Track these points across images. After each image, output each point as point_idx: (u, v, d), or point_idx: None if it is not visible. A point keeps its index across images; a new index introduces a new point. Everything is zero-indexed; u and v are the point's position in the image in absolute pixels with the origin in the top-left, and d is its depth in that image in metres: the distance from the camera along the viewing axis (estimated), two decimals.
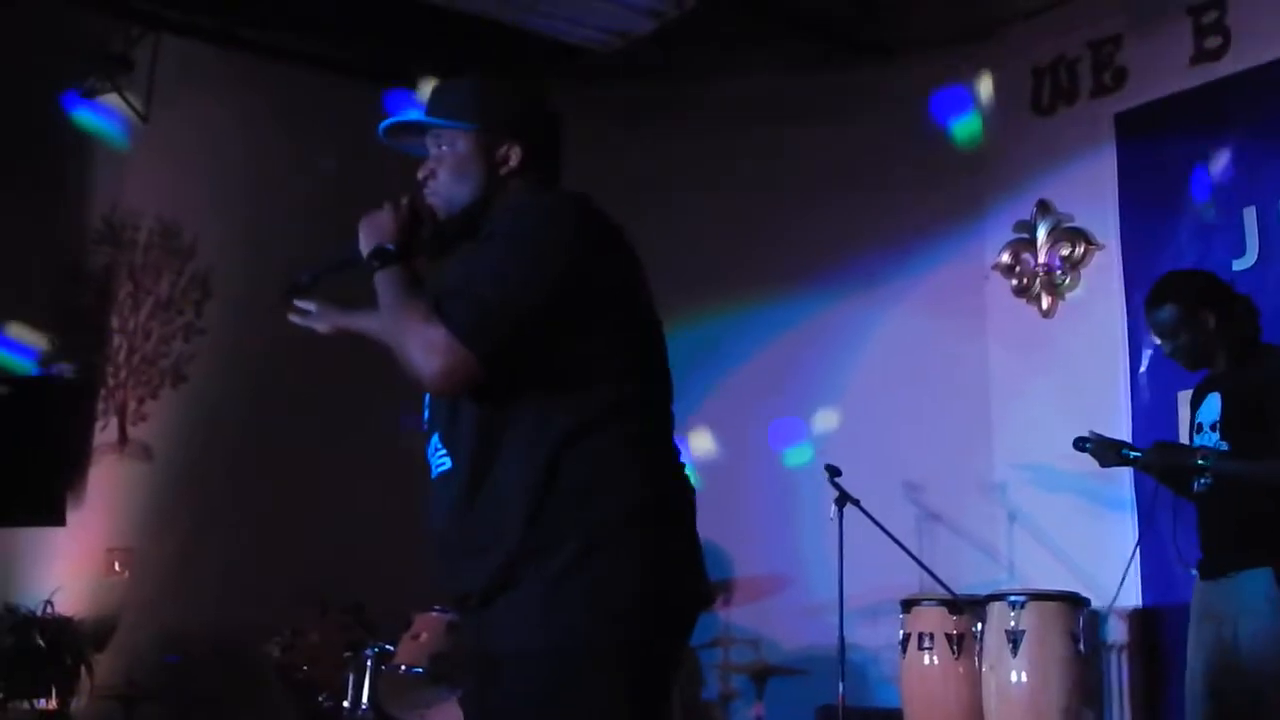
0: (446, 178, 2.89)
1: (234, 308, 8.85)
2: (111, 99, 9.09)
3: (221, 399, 8.73)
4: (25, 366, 9.37)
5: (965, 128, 7.62)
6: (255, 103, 8.80)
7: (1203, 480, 4.63)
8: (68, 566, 9.17)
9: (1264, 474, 4.44)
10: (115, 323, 9.64)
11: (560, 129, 3.00)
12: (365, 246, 2.82)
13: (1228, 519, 4.56)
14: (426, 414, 2.87)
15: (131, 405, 9.41)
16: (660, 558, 2.66)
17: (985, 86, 7.58)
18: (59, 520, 9.14)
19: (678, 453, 2.82)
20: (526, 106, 2.96)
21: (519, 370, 2.64)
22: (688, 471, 2.83)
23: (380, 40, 8.28)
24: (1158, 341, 4.88)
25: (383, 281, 2.75)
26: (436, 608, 6.45)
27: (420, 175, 2.92)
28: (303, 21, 8.12)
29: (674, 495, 2.76)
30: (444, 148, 2.90)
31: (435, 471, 2.80)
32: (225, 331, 8.95)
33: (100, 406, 9.56)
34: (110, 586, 9.05)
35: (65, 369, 9.38)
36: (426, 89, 2.95)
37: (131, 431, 9.36)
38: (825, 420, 7.73)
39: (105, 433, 9.50)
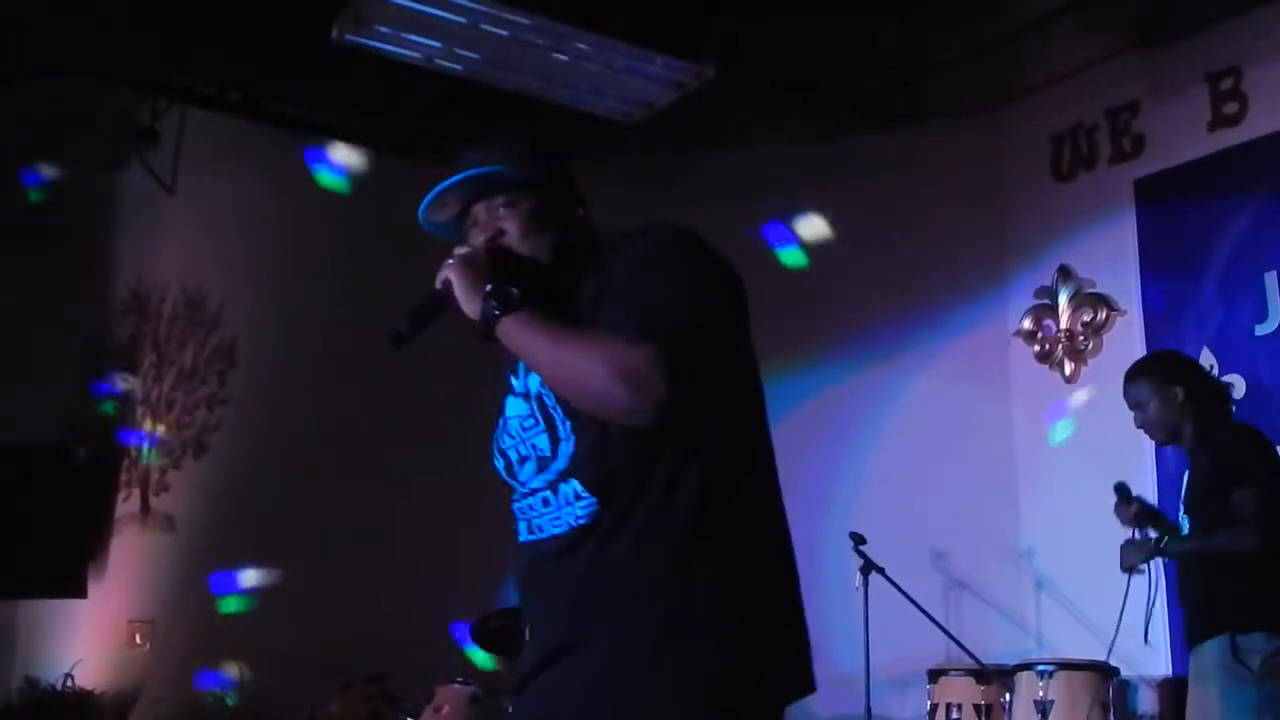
0: (520, 235, 2.66)
1: (257, 378, 8.87)
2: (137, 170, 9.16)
3: (244, 469, 8.73)
4: None
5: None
6: (280, 175, 8.85)
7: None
8: (89, 639, 9.14)
9: (1208, 548, 4.64)
10: (139, 393, 9.65)
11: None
12: (466, 290, 2.57)
13: (1192, 590, 4.76)
14: (527, 471, 2.65)
15: (154, 476, 9.41)
16: (786, 628, 2.60)
17: None
18: (80, 592, 9.11)
19: (781, 521, 2.68)
20: (570, 169, 2.79)
21: (696, 418, 2.47)
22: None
23: (405, 112, 8.33)
24: (1134, 415, 5.03)
25: (526, 323, 2.51)
26: (459, 680, 6.43)
27: (484, 236, 2.67)
28: (328, 95, 8.18)
29: (792, 582, 2.66)
30: (505, 207, 2.67)
31: (564, 526, 2.58)
32: (248, 402, 8.95)
33: (123, 477, 9.56)
34: (131, 659, 9.02)
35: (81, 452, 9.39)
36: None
37: (154, 502, 9.34)
38: (849, 488, 7.71)
39: (127, 503, 9.50)
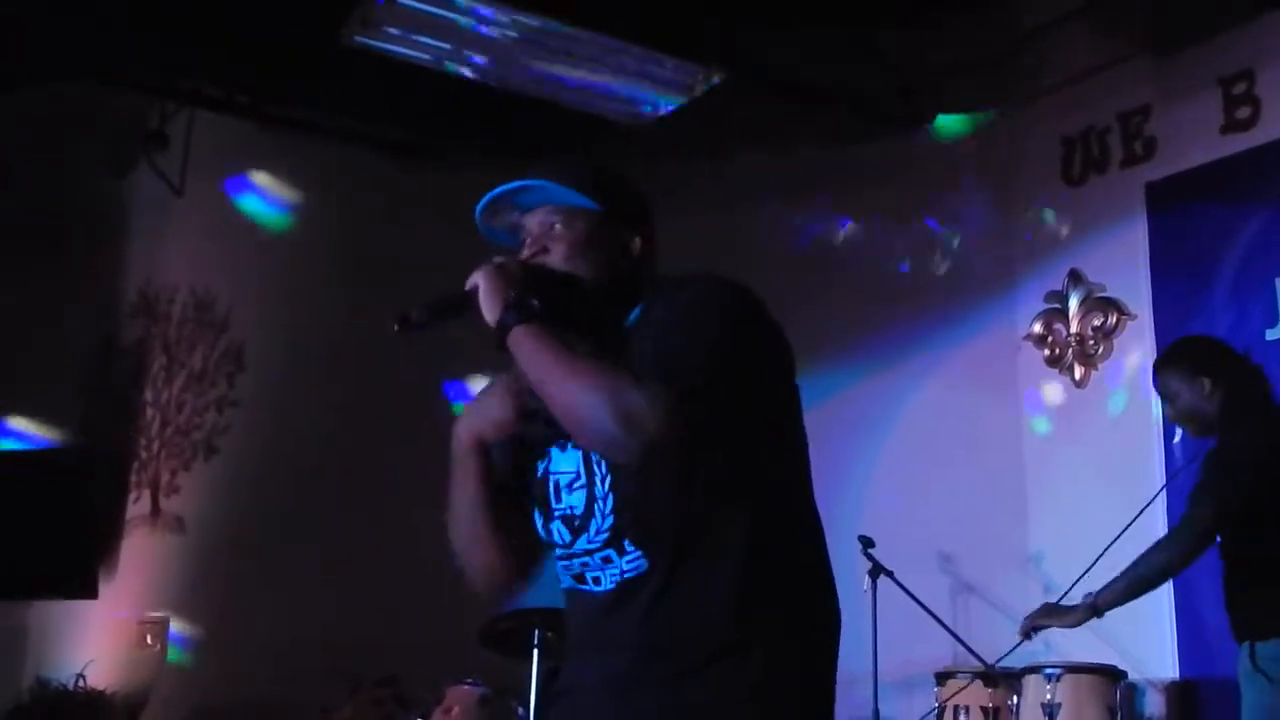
0: (564, 255, 2.66)
1: (266, 380, 8.90)
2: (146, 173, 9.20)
3: (254, 471, 8.75)
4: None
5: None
6: (289, 177, 8.88)
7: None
8: (100, 639, 9.18)
9: (1132, 581, 4.63)
10: (149, 395, 9.68)
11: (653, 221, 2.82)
12: (490, 295, 2.57)
13: (1226, 597, 4.68)
14: (568, 532, 2.65)
15: (164, 477, 9.44)
16: (828, 677, 2.61)
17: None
18: (91, 593, 9.16)
19: (826, 567, 2.70)
20: (638, 196, 2.80)
21: (725, 460, 2.50)
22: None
23: (413, 116, 8.34)
24: (1165, 408, 4.91)
25: (536, 338, 2.50)
26: (469, 680, 6.43)
27: (527, 251, 2.68)
28: (336, 98, 8.19)
29: (834, 607, 2.67)
30: (557, 226, 2.68)
31: (613, 580, 2.60)
32: (258, 403, 8.99)
33: (133, 479, 9.59)
34: (142, 659, 9.04)
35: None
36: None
37: (164, 504, 9.39)
38: (858, 491, 7.71)
39: (138, 505, 9.53)
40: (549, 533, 2.69)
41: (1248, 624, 4.48)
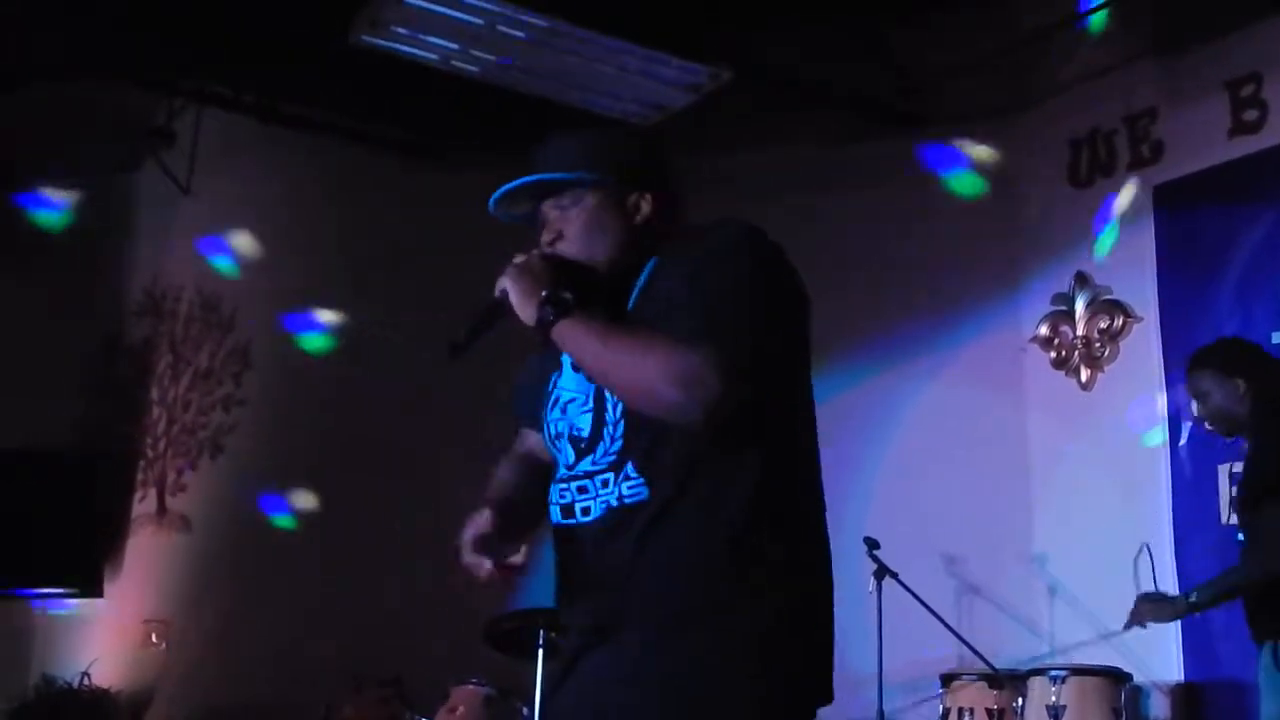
0: (577, 235, 2.71)
1: (273, 379, 8.89)
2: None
3: (260, 470, 8.75)
4: None
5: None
6: (296, 175, 8.87)
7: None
8: (105, 638, 9.17)
9: (1238, 586, 4.52)
10: (155, 394, 9.68)
11: (675, 172, 2.86)
12: (521, 297, 2.63)
13: (1248, 596, 4.64)
14: (572, 452, 2.69)
15: (170, 476, 9.43)
16: (822, 633, 2.61)
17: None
18: (97, 591, 9.15)
19: (822, 525, 2.73)
20: (647, 153, 2.84)
21: (748, 412, 2.51)
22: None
23: (421, 115, 8.34)
24: (1195, 406, 4.88)
25: (579, 326, 2.56)
26: (473, 680, 6.43)
27: (545, 240, 2.74)
28: (343, 97, 8.19)
29: (828, 587, 2.67)
30: (568, 206, 2.73)
31: (603, 507, 2.60)
32: (264, 403, 8.97)
33: (139, 477, 9.58)
34: (147, 658, 9.04)
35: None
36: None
37: (170, 503, 9.37)
38: (864, 493, 7.70)
39: (144, 504, 9.52)
40: (555, 449, 2.74)
41: (1270, 625, 4.43)
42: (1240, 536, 4.70)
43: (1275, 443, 4.60)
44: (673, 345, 2.44)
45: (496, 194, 2.77)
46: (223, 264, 9.11)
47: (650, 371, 2.45)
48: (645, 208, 2.74)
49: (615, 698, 2.55)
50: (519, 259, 2.70)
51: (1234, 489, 4.74)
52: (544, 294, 2.59)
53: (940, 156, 7.84)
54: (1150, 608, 4.80)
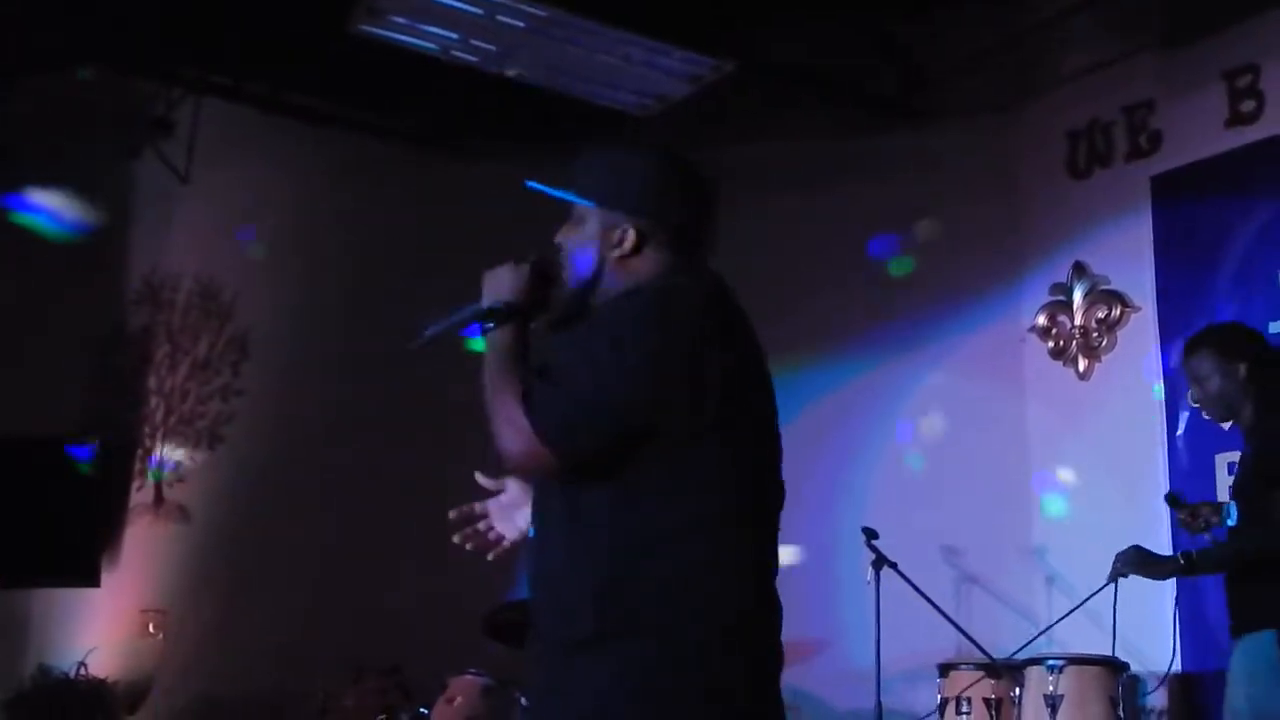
0: (571, 251, 2.82)
1: (272, 369, 8.89)
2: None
3: (258, 460, 8.75)
4: None
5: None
6: (295, 165, 8.86)
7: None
8: (102, 628, 9.16)
9: (1241, 555, 4.44)
10: (153, 383, 9.67)
11: (708, 201, 2.90)
12: (485, 301, 2.77)
13: (1236, 581, 4.57)
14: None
15: (168, 466, 9.43)
16: (700, 693, 2.56)
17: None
18: (94, 581, 9.14)
19: (764, 572, 2.70)
20: (653, 184, 2.84)
21: (606, 464, 2.58)
22: (770, 592, 2.73)
23: (420, 104, 8.34)
24: (1190, 390, 4.84)
25: (492, 344, 2.72)
26: (471, 671, 6.43)
27: (557, 240, 2.86)
28: (343, 86, 8.19)
29: (739, 625, 2.62)
30: (573, 222, 2.85)
31: (531, 532, 2.82)
32: (262, 393, 8.97)
33: (137, 467, 9.58)
34: (145, 648, 9.04)
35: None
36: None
37: (168, 492, 9.37)
38: (862, 483, 7.71)
39: (141, 493, 9.52)
40: None
41: (1274, 611, 4.37)
42: (1231, 521, 4.65)
43: None
44: (518, 395, 2.59)
45: (526, 184, 2.86)
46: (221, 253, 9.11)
47: (496, 409, 2.62)
48: (626, 243, 2.78)
49: (538, 701, 2.80)
50: (496, 267, 2.80)
51: (1232, 475, 4.67)
52: (490, 303, 2.74)
53: (939, 148, 7.84)
54: (1140, 560, 4.73)
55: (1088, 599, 5.64)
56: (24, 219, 8.75)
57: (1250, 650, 4.42)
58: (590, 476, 2.60)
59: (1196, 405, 4.84)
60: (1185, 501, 5.07)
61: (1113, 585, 5.10)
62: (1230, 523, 4.65)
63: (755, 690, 2.63)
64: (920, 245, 7.81)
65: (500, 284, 2.76)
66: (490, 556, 3.17)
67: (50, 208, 8.65)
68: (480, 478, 3.11)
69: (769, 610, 2.70)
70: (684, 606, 2.56)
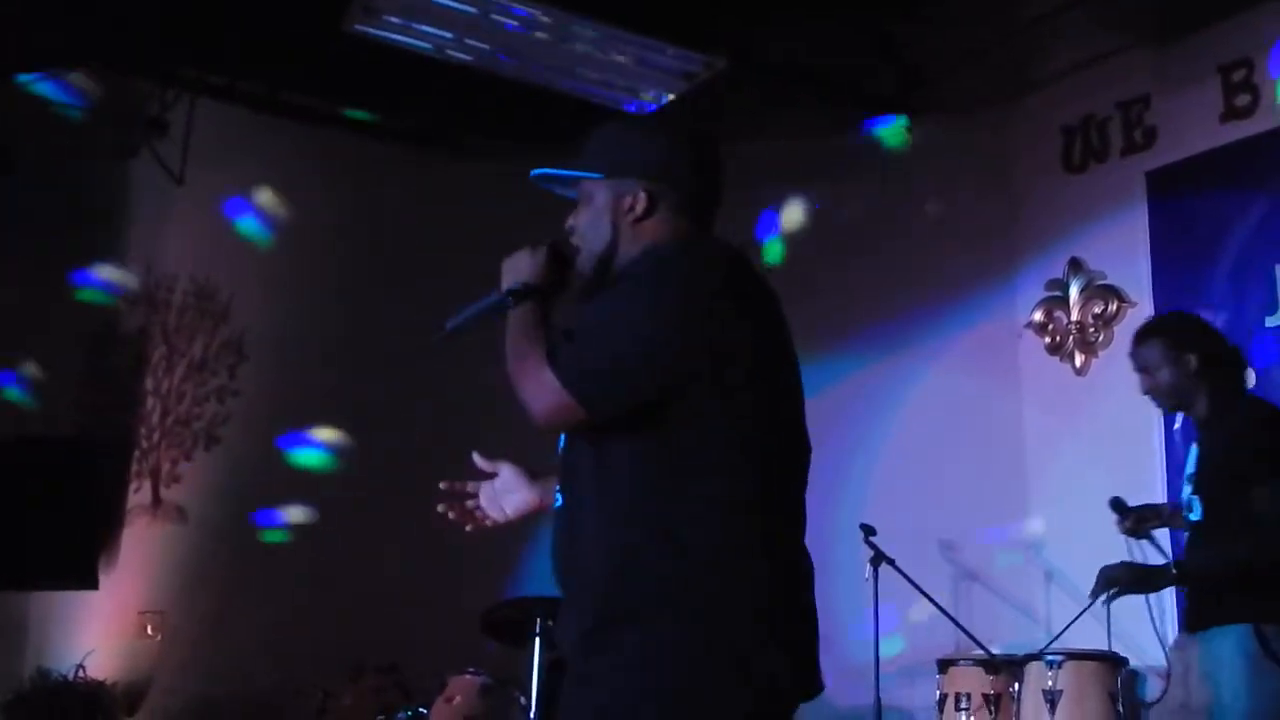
0: (584, 227, 2.86)
1: (268, 370, 8.88)
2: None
3: (255, 461, 8.75)
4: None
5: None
6: (290, 165, 8.86)
7: (1185, 532, 4.70)
8: (100, 630, 9.16)
9: (1232, 565, 4.41)
10: (149, 385, 9.67)
11: (716, 168, 2.92)
12: (505, 279, 2.83)
13: (1214, 579, 4.52)
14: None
15: (165, 467, 9.42)
16: (723, 648, 2.55)
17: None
18: (92, 583, 9.14)
19: (793, 544, 2.74)
20: (661, 150, 2.87)
21: (632, 424, 2.61)
22: (796, 556, 2.74)
23: (415, 104, 8.34)
24: (1140, 380, 4.83)
25: (513, 318, 2.76)
26: (470, 670, 6.43)
27: (567, 224, 2.90)
28: (338, 86, 8.18)
29: (763, 583, 2.62)
30: (582, 199, 2.89)
31: (558, 503, 2.81)
32: (259, 394, 8.97)
33: (134, 468, 9.57)
34: (143, 650, 9.03)
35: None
36: None
37: (165, 494, 9.36)
38: (860, 480, 7.71)
39: (138, 495, 9.51)
40: None
41: (1249, 605, 4.36)
42: (1193, 516, 4.63)
43: (1252, 423, 4.55)
44: (542, 354, 2.64)
45: (531, 174, 2.92)
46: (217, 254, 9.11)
47: (521, 373, 2.66)
48: (638, 206, 2.81)
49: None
50: (514, 253, 2.85)
51: (1196, 463, 4.64)
52: (512, 284, 2.79)
53: (935, 145, 7.84)
54: (1133, 577, 4.70)
55: (1082, 612, 5.63)
56: None
57: (1223, 644, 4.39)
58: (617, 438, 2.63)
59: (1146, 394, 4.80)
60: (1128, 507, 5.08)
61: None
62: (1193, 518, 4.61)
63: (794, 674, 2.64)
64: (917, 242, 7.81)
65: (519, 268, 2.82)
66: (468, 528, 3.20)
67: None
68: (477, 458, 3.15)
69: (800, 585, 2.73)
70: (713, 580, 2.57)
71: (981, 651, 6.29)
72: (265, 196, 8.90)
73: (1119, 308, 7.10)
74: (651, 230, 2.81)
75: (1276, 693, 4.27)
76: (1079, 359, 7.20)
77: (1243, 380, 4.77)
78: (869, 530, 6.63)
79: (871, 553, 6.58)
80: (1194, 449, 4.70)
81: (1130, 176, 7.12)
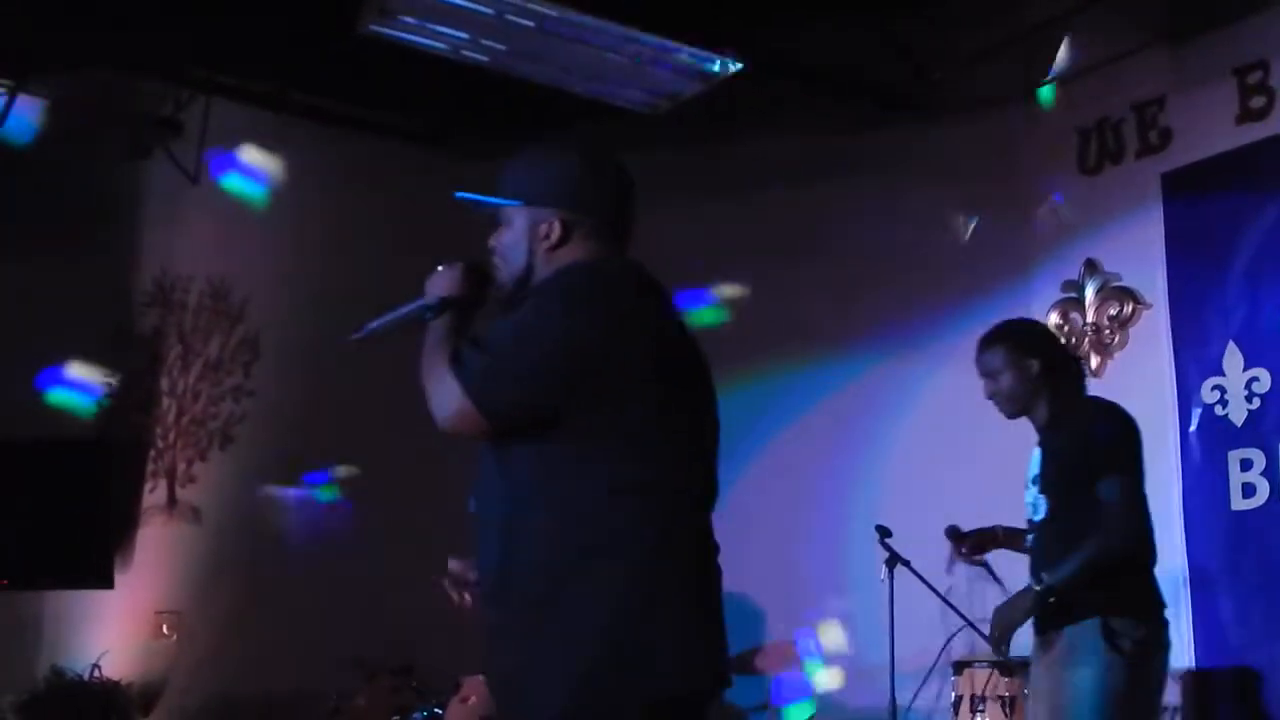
0: (504, 249, 3.01)
1: (282, 369, 8.90)
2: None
3: (270, 460, 8.76)
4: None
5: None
6: (304, 165, 8.87)
7: (1029, 536, 4.81)
8: (116, 630, 9.19)
9: (1086, 566, 4.44)
10: (164, 385, 9.70)
11: (627, 195, 3.05)
12: (425, 300, 2.97)
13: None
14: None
15: (180, 467, 9.46)
16: (626, 647, 2.68)
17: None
18: (107, 583, 9.17)
19: (694, 540, 2.85)
20: (575, 179, 3.01)
21: (535, 430, 2.75)
22: (701, 559, 2.86)
23: (429, 104, 8.34)
24: (984, 385, 4.89)
25: (430, 331, 2.92)
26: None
27: (490, 243, 3.04)
28: (352, 86, 8.19)
29: (670, 583, 2.74)
30: (503, 222, 3.02)
31: None
32: (274, 393, 8.99)
33: (149, 468, 9.60)
34: (158, 650, 9.06)
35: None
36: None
37: (180, 494, 9.40)
38: (875, 481, 7.70)
39: (154, 495, 9.55)
40: None
41: (1098, 600, 4.39)
42: (1039, 516, 4.71)
43: (1098, 422, 4.65)
44: (448, 363, 2.80)
45: (456, 195, 3.07)
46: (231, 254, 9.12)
47: (429, 380, 2.85)
48: (553, 234, 2.96)
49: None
50: (440, 269, 3.01)
51: (1036, 469, 4.72)
52: (426, 301, 2.95)
53: (948, 145, 7.83)
54: (1006, 622, 4.66)
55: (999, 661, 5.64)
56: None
57: (1074, 637, 4.44)
58: (522, 444, 2.78)
59: (989, 399, 4.87)
60: (964, 534, 5.13)
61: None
62: (1039, 517, 4.73)
63: (689, 664, 2.75)
64: (931, 242, 7.80)
65: (439, 283, 2.97)
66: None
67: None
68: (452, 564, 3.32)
69: (705, 580, 2.84)
70: (613, 574, 2.70)
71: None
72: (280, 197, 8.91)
73: (1134, 310, 7.08)
74: (565, 255, 2.95)
75: (1121, 680, 4.33)
76: (1094, 361, 7.18)
77: (1083, 384, 4.89)
78: (884, 531, 6.63)
79: (887, 554, 6.57)
80: (1036, 452, 4.80)
81: (1146, 178, 7.10)
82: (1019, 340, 4.82)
